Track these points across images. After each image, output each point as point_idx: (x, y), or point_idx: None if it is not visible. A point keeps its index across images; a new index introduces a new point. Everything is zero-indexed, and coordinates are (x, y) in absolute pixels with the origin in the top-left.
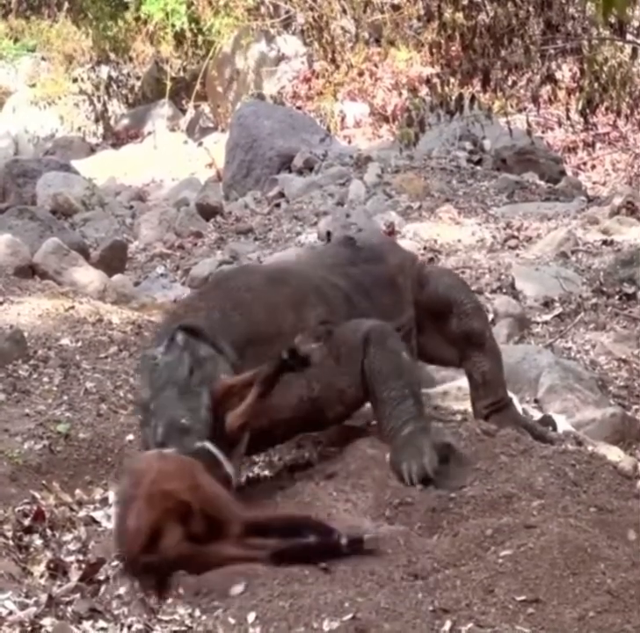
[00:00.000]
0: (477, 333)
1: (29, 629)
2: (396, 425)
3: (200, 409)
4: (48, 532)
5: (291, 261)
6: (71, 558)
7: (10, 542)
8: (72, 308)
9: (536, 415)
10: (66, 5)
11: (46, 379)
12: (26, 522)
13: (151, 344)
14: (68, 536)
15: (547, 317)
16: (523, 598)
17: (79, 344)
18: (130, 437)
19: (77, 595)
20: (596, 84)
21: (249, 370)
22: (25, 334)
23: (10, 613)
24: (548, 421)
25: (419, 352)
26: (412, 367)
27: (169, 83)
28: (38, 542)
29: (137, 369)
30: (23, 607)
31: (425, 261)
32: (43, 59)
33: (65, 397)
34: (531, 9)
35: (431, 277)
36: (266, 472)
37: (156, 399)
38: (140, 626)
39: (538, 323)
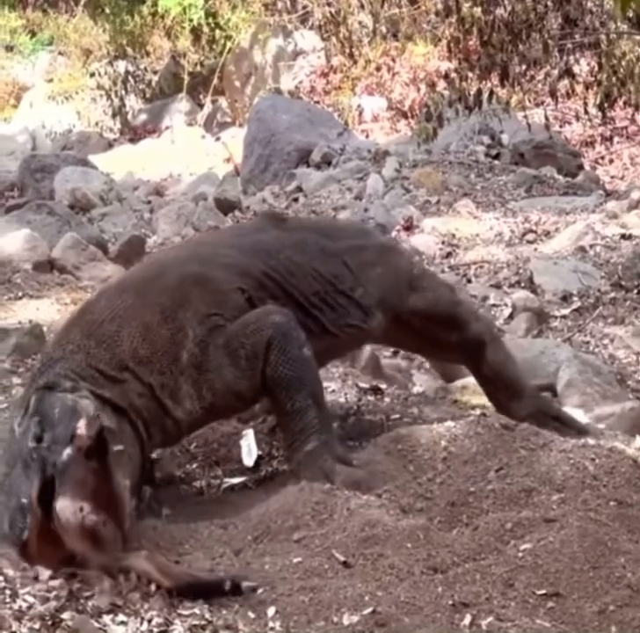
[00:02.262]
0: (478, 337)
1: (49, 622)
2: (299, 438)
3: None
4: None
5: (177, 250)
6: None
7: None
8: None
9: None
10: (83, 0)
11: None
12: None
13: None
14: None
15: (565, 311)
16: (543, 592)
17: None
18: None
19: (98, 589)
20: (614, 78)
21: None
22: (45, 329)
23: (31, 607)
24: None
25: (397, 342)
26: (314, 372)
27: (186, 78)
28: None
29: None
30: (44, 601)
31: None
32: (60, 54)
33: None
34: (549, 3)
35: (424, 284)
36: (285, 466)
37: (8, 477)
38: (160, 620)
39: (556, 318)
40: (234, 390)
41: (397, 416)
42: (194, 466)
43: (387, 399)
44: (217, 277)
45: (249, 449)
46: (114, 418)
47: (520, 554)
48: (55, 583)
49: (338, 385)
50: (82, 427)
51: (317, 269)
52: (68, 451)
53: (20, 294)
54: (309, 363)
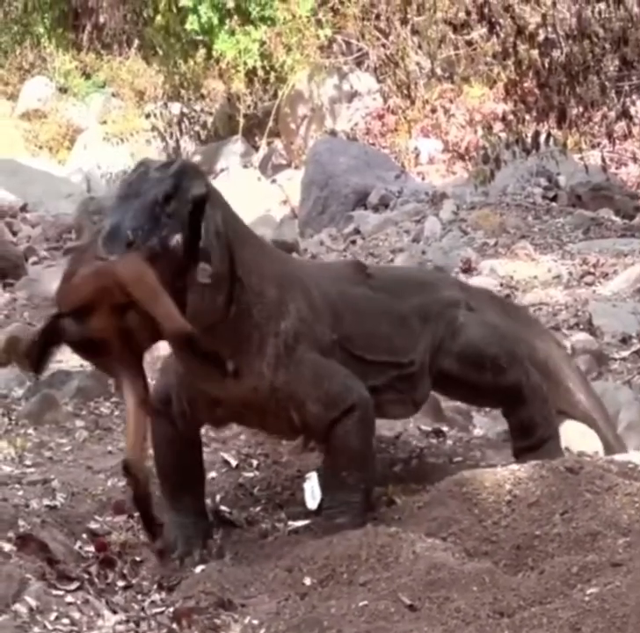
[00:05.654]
0: (513, 386)
1: None
2: (337, 508)
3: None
4: (126, 566)
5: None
6: (154, 597)
7: (96, 580)
8: None
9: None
10: (136, 42)
11: None
12: (100, 556)
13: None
14: (143, 571)
15: (625, 354)
16: None
17: None
18: (213, 474)
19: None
20: None
21: None
22: None
23: None
24: None
25: (450, 394)
26: (374, 461)
27: (241, 121)
28: (119, 582)
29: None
30: None
31: (458, 308)
32: (114, 96)
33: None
34: (606, 45)
35: (464, 328)
36: None
37: (120, 199)
38: None
39: (616, 360)
40: (298, 399)
41: (460, 459)
42: (258, 509)
43: (449, 442)
44: (317, 306)
45: (313, 492)
46: None
47: (587, 598)
48: (122, 627)
49: (401, 428)
50: None
51: (389, 344)
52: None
53: None
54: (373, 453)
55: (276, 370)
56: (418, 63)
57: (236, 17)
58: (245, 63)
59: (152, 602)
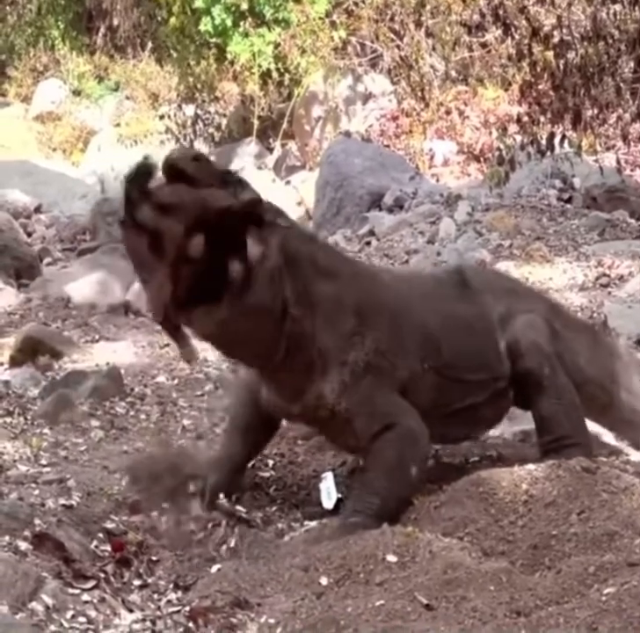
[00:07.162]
0: (532, 373)
1: None
2: (355, 509)
3: None
4: (142, 566)
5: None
6: (171, 596)
7: (112, 579)
8: (167, 345)
9: (633, 454)
10: (150, 44)
11: (143, 416)
12: (117, 555)
13: None
14: (159, 570)
15: None
16: None
17: (175, 381)
18: None
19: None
20: None
21: None
22: (122, 371)
23: None
24: None
25: None
26: (409, 482)
27: (256, 122)
28: (135, 581)
29: None
30: None
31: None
32: (127, 98)
33: (163, 434)
34: (622, 47)
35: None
36: None
37: None
38: None
39: None
40: (358, 415)
41: (477, 458)
42: (274, 508)
43: (465, 442)
44: (403, 338)
45: (328, 492)
46: None
47: (604, 598)
48: (138, 626)
49: None
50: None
51: (484, 360)
52: None
53: (97, 336)
54: (408, 475)
55: (339, 396)
56: (432, 65)
57: (249, 19)
58: (259, 65)
59: (168, 601)
